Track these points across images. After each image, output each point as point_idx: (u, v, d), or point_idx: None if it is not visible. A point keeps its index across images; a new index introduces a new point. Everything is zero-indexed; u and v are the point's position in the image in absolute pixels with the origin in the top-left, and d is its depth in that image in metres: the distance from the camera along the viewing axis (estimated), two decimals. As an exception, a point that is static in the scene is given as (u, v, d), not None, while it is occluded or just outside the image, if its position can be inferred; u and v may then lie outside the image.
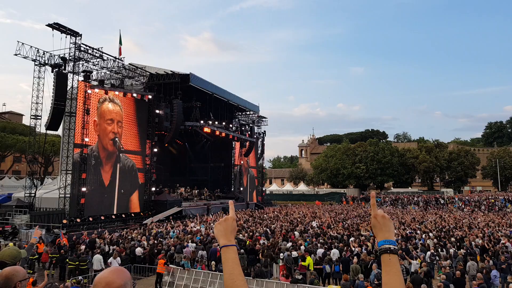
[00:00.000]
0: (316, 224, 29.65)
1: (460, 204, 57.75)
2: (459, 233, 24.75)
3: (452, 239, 22.23)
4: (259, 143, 61.15)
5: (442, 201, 60.95)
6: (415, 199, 63.94)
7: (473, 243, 20.73)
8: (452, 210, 51.50)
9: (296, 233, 24.46)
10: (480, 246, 19.79)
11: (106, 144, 32.61)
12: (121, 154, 33.85)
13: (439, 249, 19.36)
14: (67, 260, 18.12)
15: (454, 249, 19.24)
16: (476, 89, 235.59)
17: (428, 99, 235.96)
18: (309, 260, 16.62)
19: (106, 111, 32.78)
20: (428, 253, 18.04)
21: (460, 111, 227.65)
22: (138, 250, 19.32)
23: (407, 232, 25.20)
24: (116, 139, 33.29)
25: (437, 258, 17.95)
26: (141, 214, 35.01)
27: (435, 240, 21.87)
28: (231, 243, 1.92)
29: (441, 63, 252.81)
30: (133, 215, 34.43)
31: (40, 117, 31.24)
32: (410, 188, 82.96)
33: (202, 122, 42.10)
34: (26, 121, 73.36)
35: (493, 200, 57.60)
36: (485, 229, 27.21)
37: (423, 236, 23.37)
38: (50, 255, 19.12)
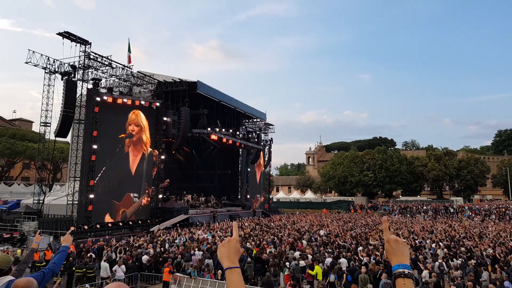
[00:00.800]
0: (324, 233, 29.41)
1: (470, 213, 57.03)
2: (469, 242, 24.38)
3: (462, 248, 21.89)
4: (266, 150, 61.09)
5: (451, 210, 60.24)
6: (424, 207, 63.28)
7: (484, 253, 20.39)
8: (462, 219, 50.86)
9: (304, 241, 24.26)
10: (491, 256, 19.45)
11: (115, 150, 32.75)
12: (129, 163, 33.95)
13: (449, 259, 19.06)
14: (73, 268, 18.11)
15: (462, 259, 18.93)
16: (486, 96, 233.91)
17: (437, 106, 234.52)
18: (318, 269, 16.44)
19: (118, 119, 32.94)
20: (437, 263, 17.77)
21: (469, 118, 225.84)
22: (145, 258, 19.26)
23: (417, 241, 24.88)
24: (124, 145, 33.49)
25: (447, 268, 17.66)
26: (148, 221, 35.01)
27: (445, 250, 21.55)
28: (235, 265, 1.89)
29: (449, 70, 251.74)
30: (140, 222, 34.44)
31: (49, 124, 31.56)
32: (419, 196, 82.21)
33: (209, 129, 42.17)
34: (36, 128, 74.11)
35: (504, 209, 56.76)
36: (495, 238, 26.80)
37: (433, 245, 23.06)
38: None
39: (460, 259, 18.87)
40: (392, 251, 1.88)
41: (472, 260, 18.21)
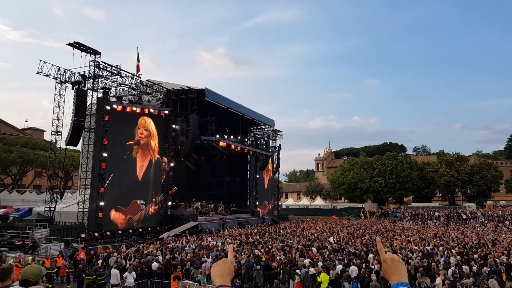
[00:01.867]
0: (334, 240, 29.19)
1: (483, 220, 56.22)
2: (483, 249, 24.00)
3: (475, 256, 21.54)
4: (274, 157, 61.01)
5: (464, 216, 59.45)
6: (436, 214, 62.56)
7: (497, 260, 20.04)
8: (475, 226, 50.15)
9: (314, 249, 24.11)
10: (506, 264, 19.10)
11: (124, 157, 32.96)
12: (138, 170, 34.15)
13: (462, 267, 18.76)
14: (83, 274, 18.21)
15: (477, 266, 18.64)
16: (497, 100, 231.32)
17: (447, 111, 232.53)
18: (323, 277, 16.29)
19: (125, 125, 33.16)
20: (450, 270, 17.50)
21: (480, 123, 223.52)
22: (155, 265, 19.29)
23: (428, 248, 24.58)
24: (133, 153, 33.72)
25: (459, 276, 17.39)
26: (158, 228, 35.11)
27: (458, 257, 21.22)
28: (227, 283, 1.95)
29: (459, 74, 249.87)
30: (150, 229, 34.55)
31: (60, 133, 31.93)
32: (430, 202, 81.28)
33: (217, 136, 42.29)
34: (47, 136, 75.07)
35: (517, 215, 55.91)
36: (510, 245, 26.34)
37: (445, 253, 22.73)
38: (67, 270, 19.24)
39: (473, 267, 18.57)
40: (390, 270, 1.90)
41: (485, 268, 17.90)
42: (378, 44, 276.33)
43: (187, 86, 37.83)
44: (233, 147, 44.16)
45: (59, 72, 31.12)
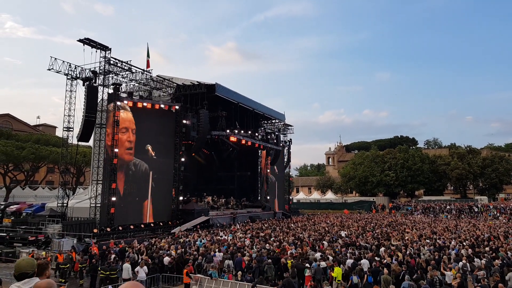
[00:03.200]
0: (345, 234, 29.15)
1: (495, 212, 55.63)
2: (494, 242, 23.78)
3: (487, 248, 21.36)
4: (285, 151, 60.95)
5: (476, 209, 58.90)
6: (448, 207, 62.06)
7: (509, 253, 19.86)
8: (487, 219, 49.65)
9: (325, 242, 24.10)
10: (518, 257, 18.92)
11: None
12: (150, 165, 34.37)
13: (473, 260, 18.62)
14: (98, 268, 18.45)
15: (485, 259, 18.48)
16: (509, 92, 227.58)
17: (458, 104, 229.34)
18: (337, 270, 16.29)
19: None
20: (461, 263, 17.40)
21: (492, 115, 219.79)
22: (166, 259, 19.46)
23: (440, 242, 24.42)
24: (148, 147, 33.87)
25: (471, 269, 17.28)
26: (169, 223, 35.37)
27: (469, 250, 21.06)
28: None
29: (470, 66, 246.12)
30: (161, 224, 34.83)
31: (72, 129, 32.23)
32: (442, 196, 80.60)
33: (228, 131, 42.32)
34: (59, 133, 75.82)
35: (530, 208, 55.20)
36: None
37: (457, 246, 22.57)
38: (80, 265, 19.46)
39: (485, 259, 18.42)
40: None
41: (497, 261, 17.75)
42: (389, 36, 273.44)
43: (197, 81, 37.90)
44: (243, 141, 44.19)
45: (69, 69, 31.36)
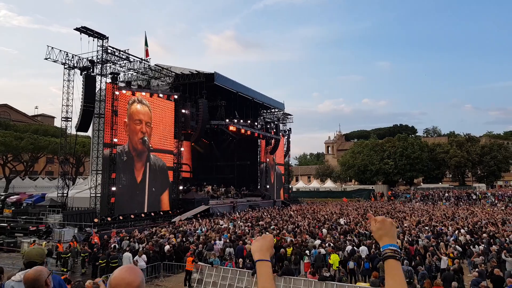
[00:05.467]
0: (344, 221, 29.34)
1: (493, 200, 55.90)
2: (492, 228, 23.96)
3: (485, 235, 21.54)
4: (284, 140, 60.99)
5: (474, 197, 59.17)
6: (446, 194, 62.33)
7: (507, 239, 20.03)
8: (485, 206, 49.92)
9: (324, 230, 24.26)
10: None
11: (136, 144, 33.36)
12: (151, 154, 34.51)
13: (471, 246, 18.79)
14: (99, 258, 18.54)
15: (484, 245, 18.65)
16: (508, 81, 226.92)
17: (458, 92, 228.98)
18: (334, 257, 16.42)
19: (135, 112, 33.52)
20: (459, 248, 17.57)
21: (491, 104, 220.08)
22: (167, 248, 19.60)
23: (438, 228, 24.60)
24: (145, 138, 33.90)
25: (469, 254, 17.45)
26: (170, 212, 35.53)
27: (467, 236, 21.24)
28: (266, 258, 2.01)
29: (469, 55, 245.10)
30: (162, 213, 34.98)
31: (70, 119, 32.10)
32: (440, 183, 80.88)
33: (227, 120, 42.29)
34: (57, 123, 75.73)
35: (529, 195, 55.47)
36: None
37: (455, 232, 22.75)
38: (82, 254, 19.55)
39: (482, 245, 18.59)
40: (385, 230, 1.90)
41: (494, 246, 17.92)
42: (390, 25, 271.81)
43: (196, 70, 37.71)
44: (243, 131, 44.19)
45: (67, 58, 31.08)
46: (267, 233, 22.73)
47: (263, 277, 1.93)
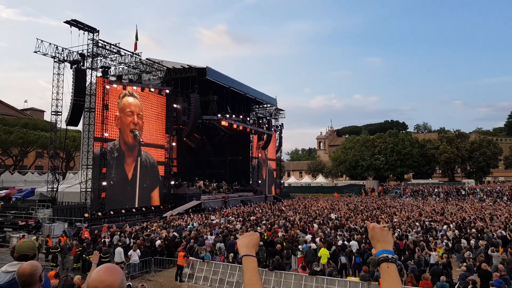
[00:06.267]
0: (335, 216, 29.51)
1: (482, 195, 56.57)
2: (481, 224, 24.27)
3: (473, 230, 21.81)
4: (276, 135, 61.03)
5: (463, 192, 59.83)
6: (436, 190, 62.92)
7: (495, 234, 20.29)
8: (474, 201, 50.50)
9: (315, 225, 24.39)
10: (502, 237, 19.35)
11: (127, 138, 33.20)
12: (142, 150, 34.33)
13: (460, 240, 19.02)
14: (86, 255, 18.35)
15: (474, 240, 18.89)
16: (497, 78, 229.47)
17: (448, 89, 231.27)
18: (323, 251, 16.51)
19: (126, 104, 33.41)
20: (448, 243, 17.78)
21: (480, 101, 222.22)
22: (158, 243, 19.56)
23: (427, 223, 24.86)
24: (136, 132, 33.69)
25: (457, 249, 17.66)
26: (161, 207, 35.44)
27: (456, 231, 21.49)
28: (252, 254, 2.08)
29: (458, 52, 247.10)
30: (153, 208, 34.88)
31: (60, 113, 31.76)
32: (430, 179, 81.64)
33: (219, 115, 42.17)
34: (47, 117, 74.86)
35: (516, 191, 56.16)
36: (507, 220, 26.58)
37: (444, 227, 23.00)
38: (77, 249, 19.31)
39: (471, 240, 18.83)
40: (376, 238, 1.95)
41: (482, 241, 18.16)
42: (381, 21, 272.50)
43: (187, 65, 37.52)
44: (235, 126, 44.11)
45: (56, 51, 30.68)
46: (258, 228, 22.80)
47: (249, 272, 1.98)
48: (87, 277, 1.94)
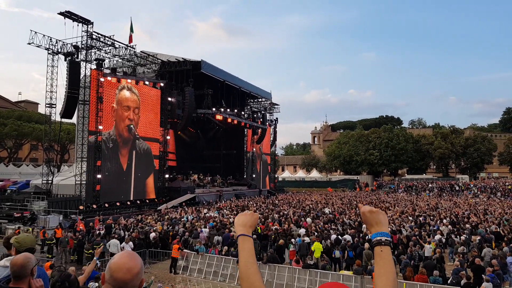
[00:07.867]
0: (329, 211, 29.67)
1: (476, 191, 57.01)
2: (474, 219, 24.50)
3: (467, 225, 22.02)
4: (271, 130, 61.08)
5: (457, 188, 60.26)
6: (430, 185, 63.33)
7: (488, 229, 20.50)
8: (468, 197, 50.91)
9: (309, 219, 24.52)
10: (495, 233, 19.55)
11: (122, 130, 33.13)
12: (136, 140, 34.31)
13: (453, 235, 19.21)
14: (84, 249, 18.37)
15: (465, 235, 19.07)
16: (492, 74, 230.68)
17: (443, 84, 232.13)
18: (317, 245, 16.63)
19: (124, 99, 33.39)
20: (441, 238, 17.95)
21: (475, 97, 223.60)
22: (153, 235, 19.63)
23: (421, 218, 25.05)
24: (131, 126, 33.63)
25: (450, 244, 17.85)
26: (156, 200, 35.46)
27: (449, 226, 21.68)
28: (249, 234, 1.98)
29: (455, 48, 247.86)
30: (148, 201, 34.90)
31: (54, 106, 31.60)
32: (424, 174, 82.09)
33: (214, 109, 42.12)
34: (41, 109, 74.36)
35: (510, 187, 56.66)
36: (500, 215, 26.86)
37: (438, 222, 23.21)
38: (75, 241, 19.31)
39: (464, 236, 19.01)
40: (369, 221, 1.89)
41: (475, 237, 18.34)
42: (376, 15, 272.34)
43: (182, 58, 37.38)
44: (229, 120, 44.10)
45: (50, 43, 30.41)
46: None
47: (245, 252, 1.90)
48: (107, 266, 1.97)
